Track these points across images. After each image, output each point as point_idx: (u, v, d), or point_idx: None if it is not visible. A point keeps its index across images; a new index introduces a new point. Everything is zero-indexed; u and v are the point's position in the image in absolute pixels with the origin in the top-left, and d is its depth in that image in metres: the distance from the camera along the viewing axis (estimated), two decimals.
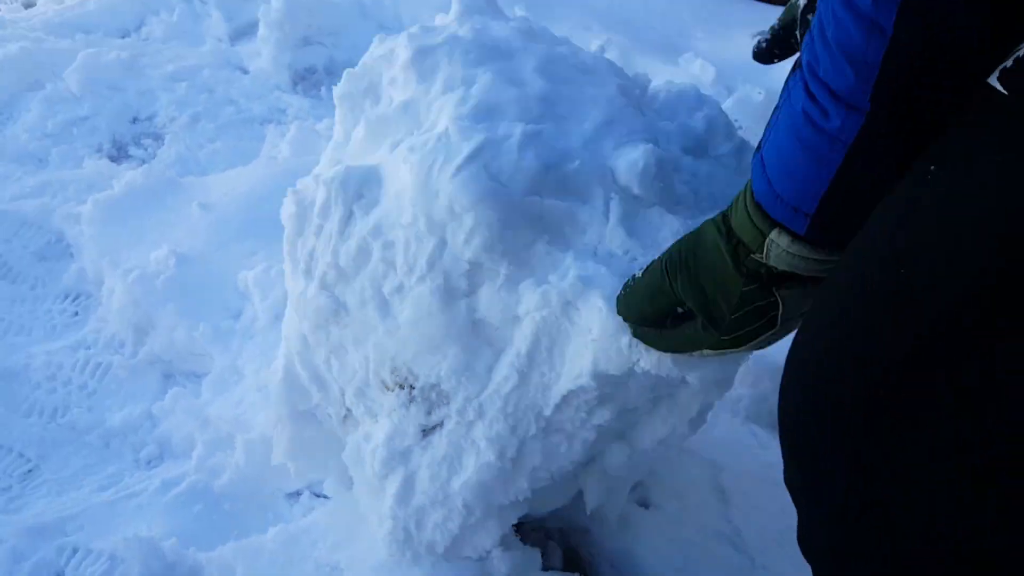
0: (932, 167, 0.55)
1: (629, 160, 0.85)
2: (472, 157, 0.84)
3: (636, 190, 0.86)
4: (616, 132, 0.90)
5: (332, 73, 2.38)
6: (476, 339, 0.90)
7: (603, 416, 0.90)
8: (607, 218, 0.86)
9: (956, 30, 0.52)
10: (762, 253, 0.65)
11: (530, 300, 0.85)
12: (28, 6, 2.73)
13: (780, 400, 0.70)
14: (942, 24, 0.52)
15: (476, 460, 0.94)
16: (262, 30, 2.31)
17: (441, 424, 0.95)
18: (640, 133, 0.90)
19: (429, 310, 0.90)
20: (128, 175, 1.77)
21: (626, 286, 0.78)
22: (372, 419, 1.04)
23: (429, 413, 0.96)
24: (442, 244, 0.87)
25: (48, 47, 2.30)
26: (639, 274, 0.76)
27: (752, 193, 0.65)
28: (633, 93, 0.97)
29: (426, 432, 0.97)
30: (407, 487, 0.99)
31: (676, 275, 0.71)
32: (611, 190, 0.86)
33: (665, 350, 0.77)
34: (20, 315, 1.57)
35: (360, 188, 0.94)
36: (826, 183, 0.60)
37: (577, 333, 0.84)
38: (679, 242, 0.72)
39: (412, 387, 0.95)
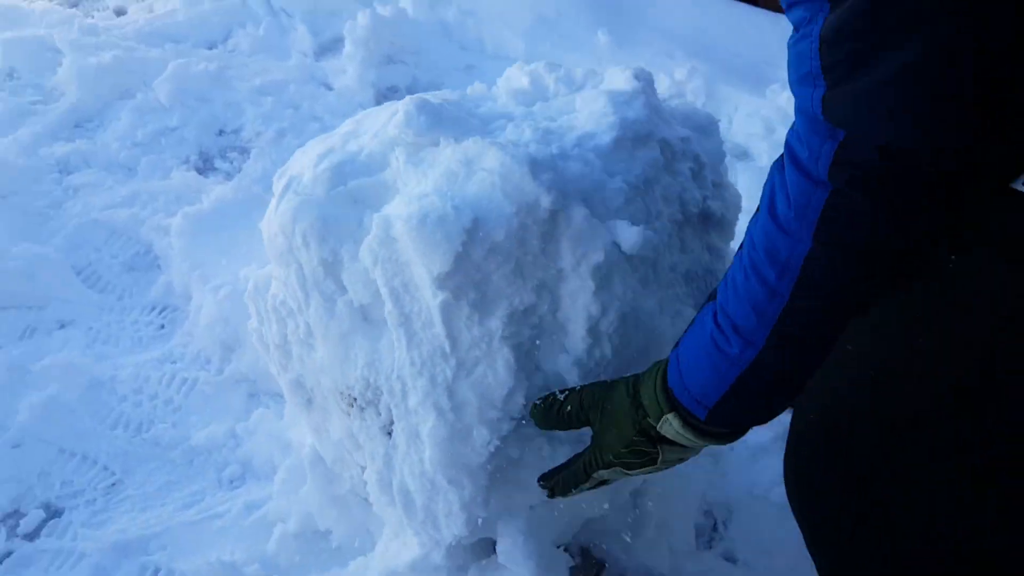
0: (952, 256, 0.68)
1: (395, 121, 1.00)
2: (282, 194, 1.03)
3: (411, 137, 0.99)
4: (397, 117, 1.03)
5: (414, 93, 2.38)
6: (369, 325, 0.99)
7: (496, 324, 0.92)
8: (400, 166, 1.00)
9: (841, 296, 0.69)
10: (656, 423, 0.80)
11: (367, 260, 0.94)
12: (119, 13, 2.79)
13: (785, 475, 0.83)
14: (830, 294, 0.69)
15: (426, 428, 0.95)
16: (348, 47, 2.33)
17: (392, 418, 1.00)
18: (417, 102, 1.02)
19: (325, 325, 1.01)
20: (217, 190, 1.79)
21: (545, 400, 0.91)
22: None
23: (379, 413, 1.01)
24: (299, 268, 1.01)
25: (139, 56, 2.34)
26: (559, 396, 0.91)
27: (664, 379, 0.80)
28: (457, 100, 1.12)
29: (390, 432, 1.01)
30: (405, 495, 1.02)
31: (591, 410, 0.87)
32: (398, 149, 1.01)
33: (569, 489, 0.92)
34: (108, 324, 1.59)
35: (264, 287, 1.14)
36: (723, 389, 0.75)
37: (409, 261, 0.92)
38: (596, 386, 0.89)
39: (355, 398, 1.02)
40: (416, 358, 0.94)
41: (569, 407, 0.89)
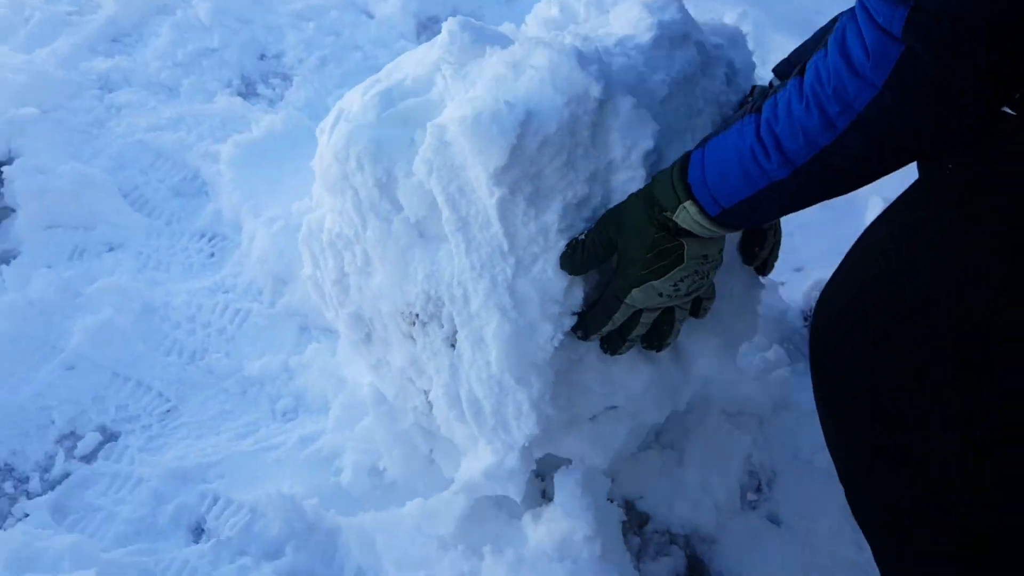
0: (949, 165, 0.79)
1: (439, 41, 1.05)
2: (333, 125, 1.07)
3: (455, 55, 1.03)
4: (440, 37, 1.07)
5: None
6: (426, 240, 1.03)
7: (552, 218, 0.95)
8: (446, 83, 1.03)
9: (893, 143, 0.77)
10: (673, 213, 0.88)
11: (421, 171, 0.97)
12: None
13: (811, 347, 0.88)
14: (884, 139, 0.76)
15: (490, 330, 0.98)
16: None
17: (455, 327, 1.02)
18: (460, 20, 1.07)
19: (383, 245, 1.05)
20: (265, 119, 1.76)
21: (570, 246, 0.95)
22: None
23: (441, 325, 1.04)
24: (354, 193, 1.04)
25: None
26: (582, 236, 0.95)
27: (683, 173, 0.88)
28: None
29: (453, 344, 1.04)
30: (473, 403, 1.04)
31: (608, 227, 0.93)
32: (444, 67, 1.04)
33: (602, 324, 0.96)
34: (157, 249, 1.58)
35: (318, 228, 1.17)
36: (746, 194, 0.84)
37: (464, 164, 0.95)
38: (609, 209, 0.94)
39: (417, 314, 1.06)
40: (475, 261, 0.97)
41: (590, 238, 0.94)
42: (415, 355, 1.11)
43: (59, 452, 1.29)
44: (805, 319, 1.49)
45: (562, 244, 0.95)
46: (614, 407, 1.10)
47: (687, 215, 0.87)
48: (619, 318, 0.95)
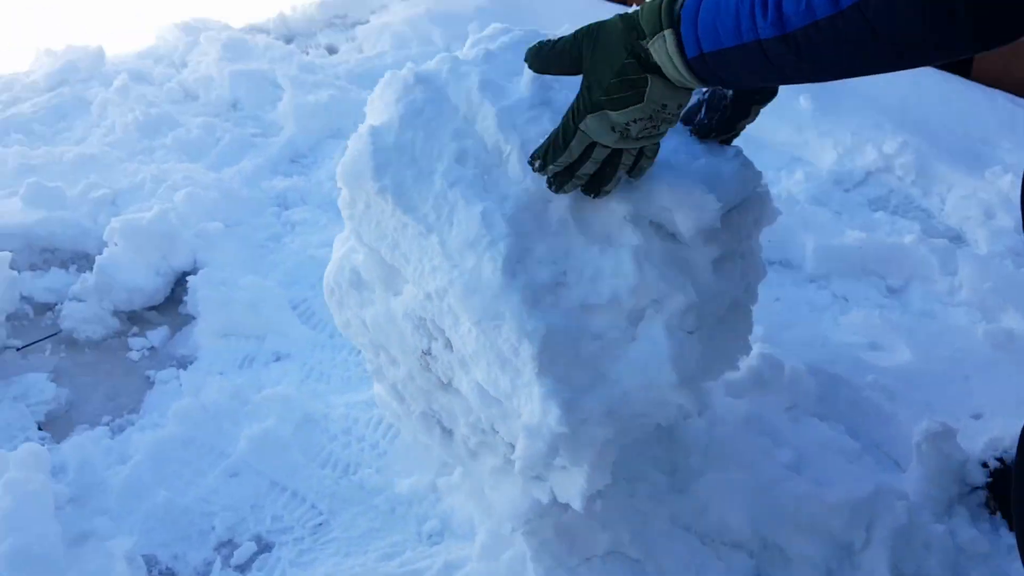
0: None
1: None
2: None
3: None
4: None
5: None
6: (395, 294, 1.16)
7: (440, 182, 1.05)
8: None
9: (887, 38, 0.73)
10: (649, 40, 0.86)
11: (355, 240, 1.19)
12: (332, 51, 2.95)
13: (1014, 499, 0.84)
14: (876, 26, 0.72)
15: (453, 301, 1.04)
16: None
17: (441, 328, 1.11)
18: None
19: (381, 327, 1.20)
20: None
21: (540, 44, 0.98)
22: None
23: (435, 338, 1.13)
24: (349, 309, 1.26)
25: (352, 97, 2.46)
26: (554, 39, 0.97)
27: (676, 4, 0.84)
28: None
29: (451, 347, 1.11)
30: (488, 379, 1.06)
31: (583, 40, 0.93)
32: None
33: (558, 152, 0.96)
34: (320, 361, 1.66)
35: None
36: (729, 44, 0.81)
37: (366, 202, 1.13)
38: (591, 24, 0.93)
39: (422, 351, 1.16)
40: (415, 261, 1.09)
41: (562, 41, 0.95)
42: (460, 401, 1.17)
43: (216, 560, 1.33)
44: (988, 471, 1.36)
45: (459, 192, 1.03)
46: (641, 315, 1.05)
47: (663, 46, 0.85)
48: (576, 147, 0.95)
